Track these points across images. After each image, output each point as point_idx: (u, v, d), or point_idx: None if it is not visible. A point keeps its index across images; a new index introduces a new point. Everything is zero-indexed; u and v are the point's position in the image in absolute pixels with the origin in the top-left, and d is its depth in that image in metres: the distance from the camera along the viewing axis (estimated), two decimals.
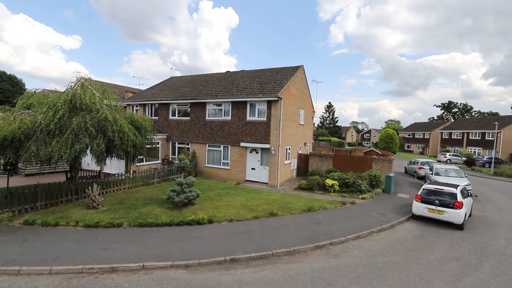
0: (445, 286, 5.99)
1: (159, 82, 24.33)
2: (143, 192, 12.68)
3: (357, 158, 17.92)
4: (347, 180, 14.66)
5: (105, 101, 11.27)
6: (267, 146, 15.30)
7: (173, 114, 19.21)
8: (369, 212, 11.28)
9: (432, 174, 16.78)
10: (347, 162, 17.88)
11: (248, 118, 16.06)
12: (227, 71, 22.63)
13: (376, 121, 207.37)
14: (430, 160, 23.15)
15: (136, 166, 16.97)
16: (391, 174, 15.42)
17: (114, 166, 17.55)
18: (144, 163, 17.74)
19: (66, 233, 7.98)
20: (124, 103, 21.06)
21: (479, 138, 43.61)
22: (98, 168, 17.10)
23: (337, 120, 73.41)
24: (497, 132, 40.61)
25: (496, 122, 30.69)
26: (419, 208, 10.60)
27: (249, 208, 10.72)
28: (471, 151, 43.37)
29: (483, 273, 6.68)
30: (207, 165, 17.68)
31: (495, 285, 6.13)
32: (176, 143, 19.02)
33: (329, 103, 74.90)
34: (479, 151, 42.97)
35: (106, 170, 17.91)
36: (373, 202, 13.00)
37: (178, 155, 18.37)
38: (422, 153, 58.58)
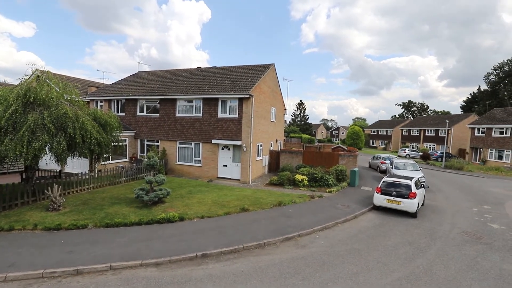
0: (399, 268, 6.66)
1: (126, 76, 23.23)
2: (109, 192, 12.16)
3: (325, 154, 18.80)
4: (316, 175, 15.35)
5: (66, 96, 10.58)
6: (239, 143, 15.44)
7: (141, 111, 18.53)
8: (335, 204, 11.97)
9: (392, 168, 18.17)
10: (316, 158, 18.68)
11: (220, 115, 16.05)
12: (198, 67, 22.30)
13: (344, 118, 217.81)
14: (391, 155, 25.00)
15: (102, 164, 16.17)
16: (356, 169, 16.44)
17: (76, 165, 16.54)
18: (111, 161, 16.93)
19: (23, 238, 7.45)
20: (87, 98, 19.85)
21: (434, 134, 47.84)
22: (58, 168, 16.03)
23: (308, 117, 75.88)
24: (448, 130, 44.94)
25: (446, 120, 33.89)
26: (379, 199, 11.49)
27: (221, 204, 10.82)
28: (427, 147, 47.41)
29: (431, 254, 7.52)
30: (178, 162, 17.38)
31: (439, 264, 6.94)
32: (145, 141, 18.40)
33: (300, 100, 76.88)
34: (433, 146, 47.15)
35: (67, 169, 16.81)
36: (339, 195, 13.80)
37: (147, 153, 17.80)
38: (385, 148, 62.75)
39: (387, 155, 25.16)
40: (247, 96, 14.93)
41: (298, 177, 15.19)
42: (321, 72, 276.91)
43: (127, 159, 18.16)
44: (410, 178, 11.84)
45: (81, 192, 11.91)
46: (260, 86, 16.80)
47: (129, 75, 23.41)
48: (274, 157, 20.18)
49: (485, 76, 59.63)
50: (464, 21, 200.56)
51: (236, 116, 15.62)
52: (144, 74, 23.05)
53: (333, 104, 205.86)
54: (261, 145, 17.81)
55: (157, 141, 18.01)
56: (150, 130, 18.12)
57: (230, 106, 15.85)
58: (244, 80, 16.86)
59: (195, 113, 16.75)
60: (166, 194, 10.44)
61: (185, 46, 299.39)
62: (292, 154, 19.37)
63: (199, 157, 16.83)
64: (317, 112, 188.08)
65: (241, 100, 15.44)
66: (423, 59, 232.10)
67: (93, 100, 19.93)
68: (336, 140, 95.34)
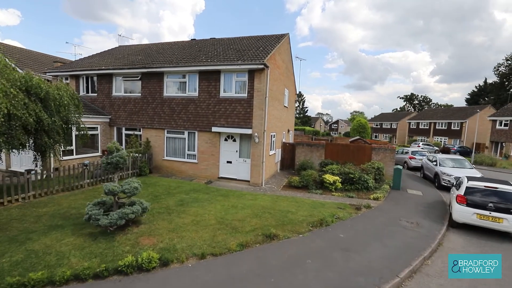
0: None
1: (102, 51, 18.72)
2: (58, 204, 8.00)
3: (354, 148, 14.93)
4: (352, 176, 11.47)
5: None
6: (248, 131, 11.39)
7: (118, 90, 14.19)
8: (396, 220, 8.14)
9: (436, 165, 14.47)
10: (342, 152, 14.81)
11: (222, 94, 11.92)
12: (192, 39, 17.98)
13: (338, 113, 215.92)
14: (419, 149, 21.38)
15: (60, 160, 11.93)
16: (400, 167, 12.66)
17: (26, 161, 12.26)
18: (75, 156, 12.71)
19: None
20: (47, 75, 15.40)
21: (445, 128, 44.67)
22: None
23: (307, 110, 72.29)
24: (462, 122, 41.82)
25: (478, 110, 30.66)
26: (464, 213, 7.71)
27: (231, 226, 6.81)
28: (438, 140, 44.28)
29: None
30: (166, 158, 13.23)
31: None
32: (123, 129, 14.13)
33: (299, 92, 73.03)
34: (445, 140, 44.04)
35: (14, 167, 12.54)
36: (389, 203, 9.99)
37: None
38: (389, 142, 59.53)
39: (416, 149, 21.54)
40: (261, 66, 10.82)
41: (329, 177, 11.28)
42: (315, 66, 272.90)
43: (99, 153, 13.92)
44: (509, 183, 8.09)
45: (11, 205, 7.69)
46: (275, 57, 12.68)
47: (106, 50, 18.91)
48: (288, 151, 16.23)
49: (495, 68, 56.56)
50: (457, 17, 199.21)
51: (245, 95, 11.51)
52: (125, 49, 18.57)
53: (327, 98, 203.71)
54: (274, 135, 13.81)
55: (139, 130, 13.79)
56: (129, 115, 13.86)
57: (236, 81, 11.71)
58: (254, 49, 12.71)
59: (188, 91, 12.55)
60: (142, 211, 6.36)
61: (178, 37, 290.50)
62: (312, 148, 15.44)
63: (194, 151, 12.72)
64: (311, 106, 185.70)
65: (252, 74, 11.33)
66: (416, 54, 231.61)
67: (56, 77, 15.47)
68: (335, 133, 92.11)
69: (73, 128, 9.39)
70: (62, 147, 10.20)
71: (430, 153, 21.73)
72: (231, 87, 11.81)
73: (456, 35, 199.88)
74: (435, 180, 14.10)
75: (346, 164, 13.58)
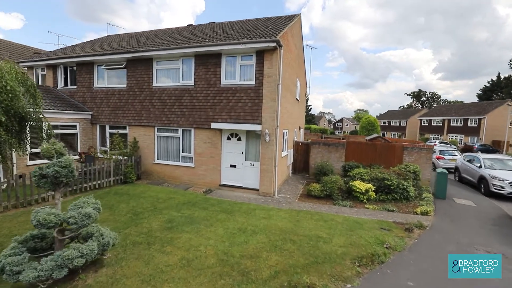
0: None
1: (87, 41, 16.52)
2: None
3: (380, 147, 12.56)
4: (388, 182, 9.10)
5: None
6: (257, 127, 9.08)
7: (101, 81, 11.96)
8: (472, 249, 5.80)
9: (480, 167, 12.04)
10: (367, 152, 12.46)
11: (224, 82, 9.62)
12: (189, 25, 15.73)
13: (339, 112, 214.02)
14: (448, 148, 18.95)
15: (27, 166, 9.75)
16: (444, 171, 10.29)
17: None
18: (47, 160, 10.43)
19: None
20: (22, 64, 13.19)
21: (461, 125, 41.99)
22: None
23: (311, 108, 69.98)
24: (480, 119, 39.21)
25: (509, 104, 27.96)
26: None
27: (239, 268, 4.49)
28: (453, 138, 41.66)
29: None
30: (157, 161, 10.96)
31: None
32: (107, 127, 11.88)
33: None
34: (460, 138, 41.39)
35: None
36: (444, 220, 7.63)
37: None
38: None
39: (444, 147, 19.11)
40: (273, 45, 8.50)
41: (359, 185, 8.93)
42: (316, 65, 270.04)
43: (77, 156, 11.69)
44: None
45: None
46: (287, 37, 10.35)
47: (92, 39, 16.71)
48: (301, 151, 13.90)
49: (510, 61, 53.94)
50: (459, 14, 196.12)
51: (253, 82, 9.20)
52: (112, 37, 16.34)
53: (328, 97, 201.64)
54: (286, 133, 11.49)
55: (125, 127, 11.54)
56: (113, 110, 11.61)
57: (241, 66, 9.40)
58: (261, 28, 10.39)
59: (182, 80, 10.27)
60: (102, 249, 4.06)
61: None
62: (329, 148, 13.09)
63: (190, 152, 10.43)
64: (312, 105, 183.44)
65: (260, 55, 9.02)
66: (418, 52, 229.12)
67: (31, 67, 13.32)
68: (339, 132, 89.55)
69: (42, 125, 7.25)
70: (27, 149, 7.94)
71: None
72: (234, 73, 9.50)
73: (458, 31, 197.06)
74: (480, 186, 11.71)
75: (372, 166, 11.32)
